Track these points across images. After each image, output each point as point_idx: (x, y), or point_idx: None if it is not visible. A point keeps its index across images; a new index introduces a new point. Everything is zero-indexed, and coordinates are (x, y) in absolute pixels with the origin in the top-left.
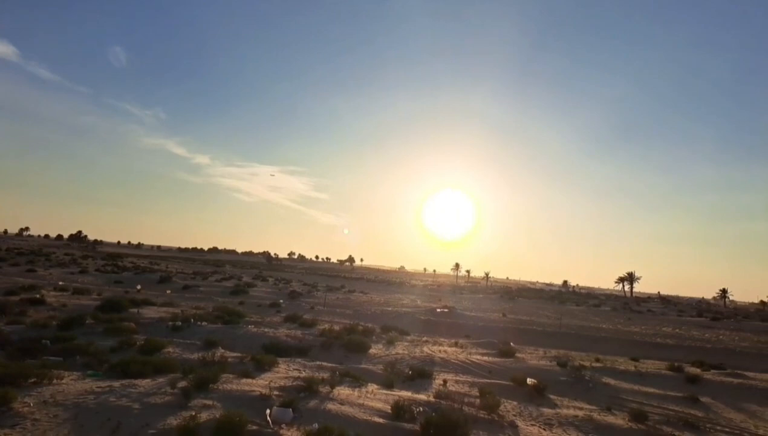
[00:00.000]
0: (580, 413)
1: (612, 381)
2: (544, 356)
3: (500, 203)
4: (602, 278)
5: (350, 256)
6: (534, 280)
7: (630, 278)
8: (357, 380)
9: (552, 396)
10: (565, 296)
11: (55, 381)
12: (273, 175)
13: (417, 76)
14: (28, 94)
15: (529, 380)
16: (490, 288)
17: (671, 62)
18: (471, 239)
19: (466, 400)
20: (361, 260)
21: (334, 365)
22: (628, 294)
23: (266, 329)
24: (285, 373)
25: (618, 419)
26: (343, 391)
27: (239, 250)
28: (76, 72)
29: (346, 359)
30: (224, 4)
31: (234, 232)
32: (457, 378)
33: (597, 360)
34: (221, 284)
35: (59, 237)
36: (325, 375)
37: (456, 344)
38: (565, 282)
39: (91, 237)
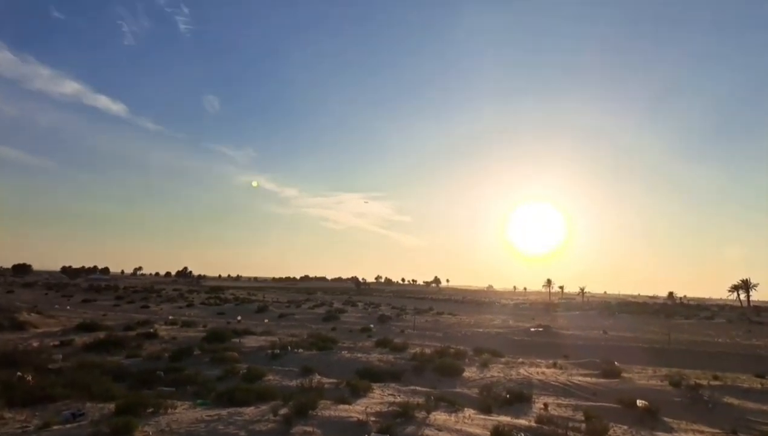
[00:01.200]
0: None
1: (735, 401)
2: (654, 375)
3: (593, 214)
4: (713, 288)
5: (436, 277)
6: (635, 293)
7: (746, 286)
8: (452, 404)
9: (666, 419)
10: (672, 308)
11: (169, 410)
12: (366, 202)
13: (494, 89)
14: (137, 146)
15: (639, 402)
16: (587, 304)
17: None
18: (562, 254)
19: (570, 424)
20: (447, 280)
21: (427, 389)
22: (745, 304)
23: (359, 354)
24: (380, 398)
25: None
26: (439, 416)
27: (329, 276)
28: (176, 121)
29: (440, 382)
30: (296, 43)
31: (323, 259)
32: (559, 401)
33: (715, 378)
34: (314, 311)
35: (168, 274)
36: (420, 400)
37: (554, 365)
38: (671, 294)
39: (195, 272)
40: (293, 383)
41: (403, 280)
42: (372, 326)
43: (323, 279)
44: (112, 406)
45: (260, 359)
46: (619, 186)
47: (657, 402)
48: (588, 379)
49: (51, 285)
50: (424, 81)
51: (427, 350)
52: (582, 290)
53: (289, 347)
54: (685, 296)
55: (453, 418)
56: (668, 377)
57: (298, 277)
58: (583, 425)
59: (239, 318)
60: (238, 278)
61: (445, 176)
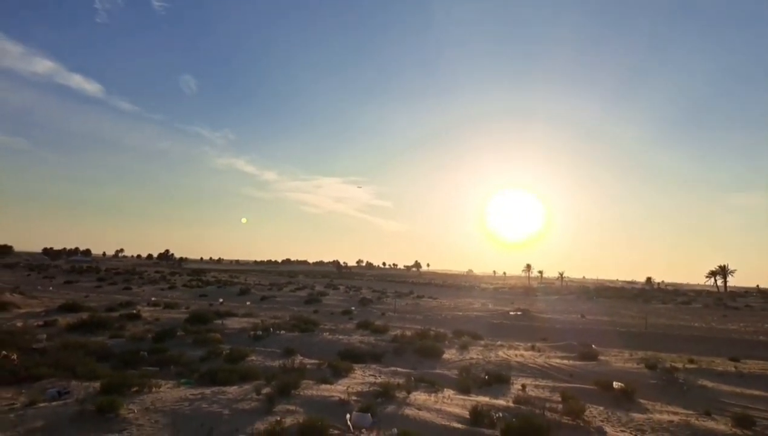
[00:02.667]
0: (676, 418)
1: (709, 383)
2: (630, 359)
3: (570, 201)
4: (690, 274)
5: (416, 261)
6: (614, 278)
7: (723, 272)
8: (432, 385)
9: (642, 401)
10: (650, 293)
11: (154, 390)
12: (360, 187)
13: (470, 77)
14: (113, 126)
15: (615, 384)
16: (566, 289)
17: (745, 34)
18: (540, 239)
19: (547, 405)
20: (428, 265)
21: (408, 370)
22: (722, 289)
23: (340, 336)
24: (361, 379)
25: (719, 425)
26: (419, 396)
27: (310, 260)
28: (152, 102)
29: (420, 364)
30: (278, 27)
31: (304, 243)
32: (537, 383)
33: (691, 361)
34: (296, 294)
35: (149, 256)
36: (401, 381)
37: (533, 348)
38: (649, 279)
39: (177, 255)
40: (276, 363)
41: (384, 264)
42: (353, 308)
43: (305, 263)
44: (97, 385)
45: (243, 341)
46: (595, 172)
47: (633, 384)
48: (565, 361)
49: (33, 266)
50: (403, 68)
51: (408, 333)
52: (561, 274)
53: (272, 329)
54: (663, 282)
55: (433, 398)
56: (644, 360)
57: (279, 260)
58: (560, 406)
59: (221, 300)
60: (220, 260)
61: (424, 162)
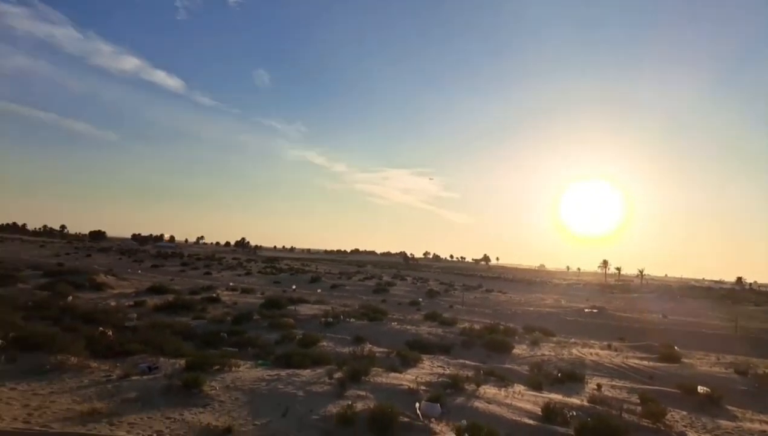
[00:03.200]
0: None
1: None
2: (718, 363)
3: (654, 192)
4: None
5: (485, 255)
6: (699, 277)
7: None
8: (502, 379)
9: (730, 407)
10: (741, 294)
11: (233, 369)
12: (431, 179)
13: (547, 64)
14: (193, 120)
15: (700, 388)
16: (646, 287)
17: None
18: (619, 234)
19: (625, 406)
20: (497, 258)
21: (476, 363)
22: None
23: (408, 326)
24: (429, 369)
25: None
26: (488, 390)
27: (378, 251)
28: (229, 96)
29: (489, 358)
30: (347, 20)
31: (372, 234)
32: (613, 383)
33: None
34: (364, 284)
35: (227, 244)
36: (469, 373)
37: (609, 347)
38: (740, 279)
39: (252, 243)
40: (346, 350)
41: (451, 256)
42: (421, 299)
43: (372, 253)
44: (182, 362)
45: (314, 327)
46: (684, 162)
47: (720, 390)
48: (645, 362)
49: (123, 251)
50: (474, 56)
51: (476, 326)
52: (641, 272)
53: (342, 317)
54: (755, 282)
55: (503, 392)
56: (733, 365)
57: (348, 250)
58: (639, 408)
59: (294, 287)
60: (292, 249)
61: (494, 152)
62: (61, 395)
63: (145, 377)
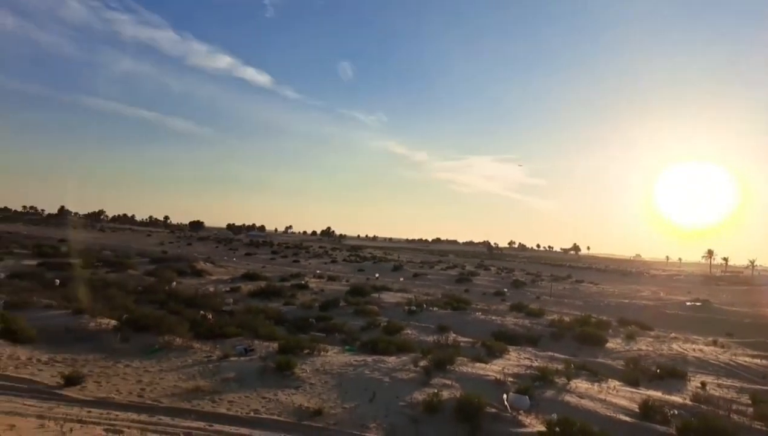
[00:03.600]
0: None
1: None
2: None
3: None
4: None
5: (575, 244)
6: None
7: None
8: (594, 374)
9: None
10: None
11: (322, 353)
12: (521, 165)
13: (640, 39)
14: (281, 114)
15: None
16: (759, 279)
17: None
18: (731, 221)
19: (733, 407)
20: (588, 248)
21: (567, 356)
22: None
23: (493, 317)
24: (516, 361)
25: None
26: (580, 384)
27: (460, 240)
28: (313, 89)
29: (580, 351)
30: (427, 9)
31: (454, 223)
32: (719, 381)
33: None
34: (446, 273)
35: (314, 233)
36: (559, 366)
37: (715, 343)
38: None
39: (337, 232)
40: (430, 338)
41: (538, 246)
42: (506, 290)
43: (454, 242)
44: (275, 345)
45: (398, 314)
46: None
47: None
48: (756, 360)
49: (220, 240)
50: (554, 37)
51: (566, 318)
52: (752, 262)
53: (425, 305)
54: None
55: (596, 387)
56: None
57: (430, 239)
58: (750, 409)
59: (377, 275)
60: (375, 238)
61: (583, 136)
62: (169, 372)
63: (242, 358)
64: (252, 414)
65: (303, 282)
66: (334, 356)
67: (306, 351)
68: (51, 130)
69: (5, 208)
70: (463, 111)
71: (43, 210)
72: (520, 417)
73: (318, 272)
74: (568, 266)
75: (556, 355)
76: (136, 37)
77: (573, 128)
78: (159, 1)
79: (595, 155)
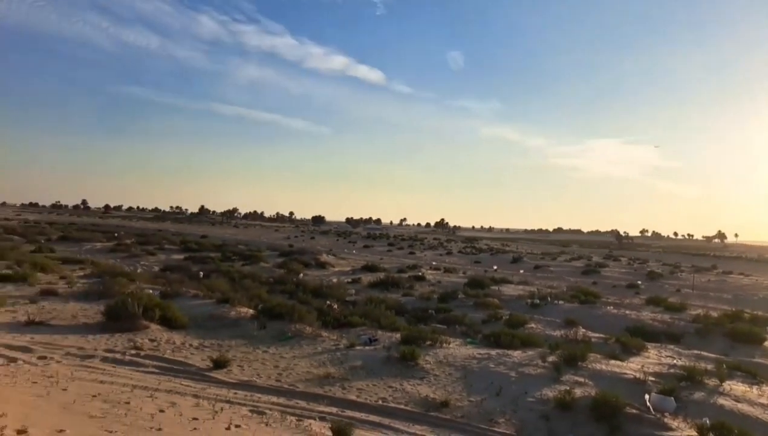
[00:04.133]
0: None
1: None
2: None
3: None
4: None
5: (719, 231)
6: None
7: None
8: (753, 375)
9: None
10: None
11: (444, 345)
12: (657, 147)
13: None
14: (394, 109)
15: None
16: None
17: None
18: None
19: None
20: (735, 235)
21: (716, 355)
22: None
23: (627, 311)
24: (657, 359)
25: None
26: (735, 386)
27: (584, 229)
28: (423, 82)
29: (732, 350)
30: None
31: (575, 211)
32: None
33: None
34: (571, 264)
35: (428, 224)
36: (709, 366)
37: None
38: None
39: (451, 223)
40: (556, 333)
41: (675, 234)
42: (639, 282)
43: (578, 232)
44: (397, 336)
45: (520, 308)
46: None
47: None
48: None
49: (340, 233)
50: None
51: (713, 313)
52: None
53: (549, 298)
54: None
55: (755, 390)
56: None
57: (550, 229)
58: None
59: (495, 267)
60: (491, 229)
61: (724, 112)
62: (301, 359)
63: (367, 347)
64: (380, 402)
65: (420, 274)
66: (457, 348)
67: (428, 342)
68: (187, 136)
69: (156, 209)
70: (581, 93)
71: (186, 209)
72: (665, 420)
73: (434, 263)
74: (712, 256)
75: (704, 353)
76: (259, 46)
77: (714, 105)
78: (278, 10)
79: (742, 133)
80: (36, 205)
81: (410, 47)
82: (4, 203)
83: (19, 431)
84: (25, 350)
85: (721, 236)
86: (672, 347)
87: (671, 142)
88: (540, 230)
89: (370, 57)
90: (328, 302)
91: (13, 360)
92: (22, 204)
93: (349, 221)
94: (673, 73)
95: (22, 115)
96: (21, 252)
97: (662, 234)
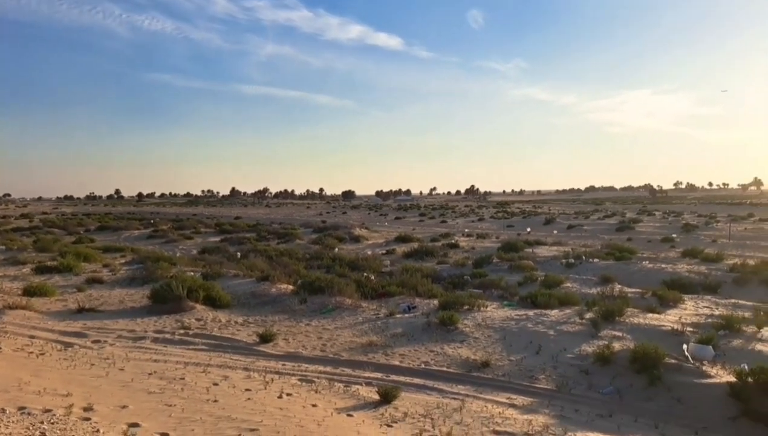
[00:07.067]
0: None
1: None
2: None
3: None
4: None
5: (756, 178)
6: None
7: None
8: None
9: None
10: None
11: (481, 309)
12: (725, 91)
13: None
14: (416, 76)
15: None
16: None
17: None
18: None
19: None
20: None
21: (754, 303)
22: None
23: (662, 265)
24: (693, 310)
25: None
26: None
27: (617, 186)
28: (445, 45)
29: None
30: None
31: (609, 167)
32: None
33: None
34: (604, 222)
35: (458, 192)
36: (746, 314)
37: None
38: None
39: (481, 189)
40: (592, 291)
41: (710, 184)
42: (674, 235)
43: (611, 189)
44: (435, 302)
45: (555, 268)
46: None
47: None
48: None
49: (371, 206)
50: None
51: (750, 262)
52: None
53: (583, 257)
54: None
55: None
56: None
57: (582, 188)
58: None
59: (528, 230)
60: (522, 192)
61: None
62: (343, 330)
63: (406, 315)
64: (423, 366)
65: (453, 241)
66: (494, 311)
67: (466, 307)
68: (213, 119)
69: (188, 194)
70: (612, 43)
71: (218, 192)
72: (704, 368)
73: (466, 230)
74: (749, 204)
75: (741, 302)
76: (275, 20)
77: (753, 45)
78: None
79: None
80: (71, 197)
81: (428, 10)
82: (40, 198)
83: (85, 409)
84: (79, 335)
85: (757, 183)
86: (709, 297)
87: (708, 86)
88: (572, 190)
89: (388, 24)
90: (365, 274)
91: (70, 345)
92: (58, 197)
93: (379, 193)
94: (716, 12)
95: (52, 114)
96: (63, 244)
97: (697, 185)
